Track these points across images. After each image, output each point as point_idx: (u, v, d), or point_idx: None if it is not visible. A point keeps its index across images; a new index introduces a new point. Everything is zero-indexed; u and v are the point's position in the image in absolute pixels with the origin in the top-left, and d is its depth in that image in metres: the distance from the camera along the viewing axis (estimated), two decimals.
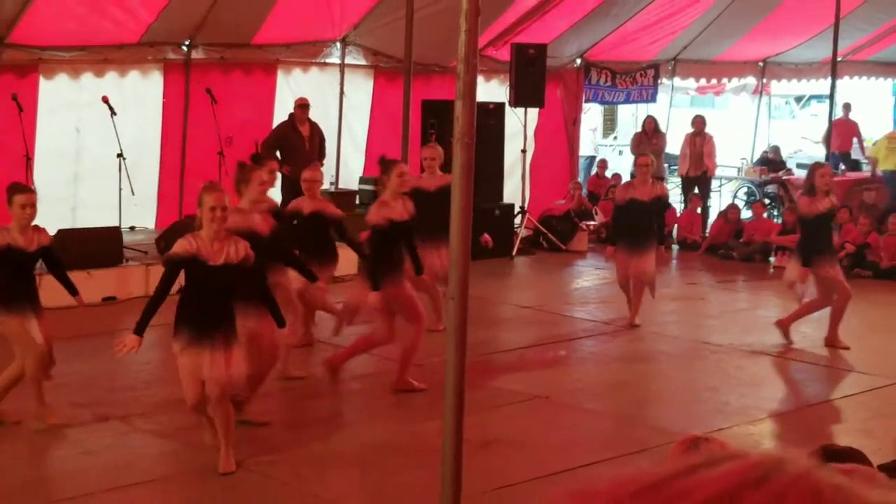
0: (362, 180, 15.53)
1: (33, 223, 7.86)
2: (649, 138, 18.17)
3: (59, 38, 12.84)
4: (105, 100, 12.48)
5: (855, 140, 20.25)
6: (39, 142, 12.68)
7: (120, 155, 12.31)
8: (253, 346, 7.78)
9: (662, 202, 11.78)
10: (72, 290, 8.19)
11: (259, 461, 7.52)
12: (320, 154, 14.29)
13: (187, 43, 13.96)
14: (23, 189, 7.99)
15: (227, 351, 6.96)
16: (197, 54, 14.10)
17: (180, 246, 7.03)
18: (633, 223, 11.34)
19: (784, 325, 10.88)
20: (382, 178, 9.18)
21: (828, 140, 17.68)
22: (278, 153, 13.74)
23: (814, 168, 11.32)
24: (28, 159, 12.16)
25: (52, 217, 12.52)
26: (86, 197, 13.24)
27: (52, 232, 12.09)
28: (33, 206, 7.80)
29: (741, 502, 0.48)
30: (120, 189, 12.53)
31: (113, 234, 12.08)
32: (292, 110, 14.09)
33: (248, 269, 7.22)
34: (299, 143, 13.85)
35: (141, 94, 13.74)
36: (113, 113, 12.30)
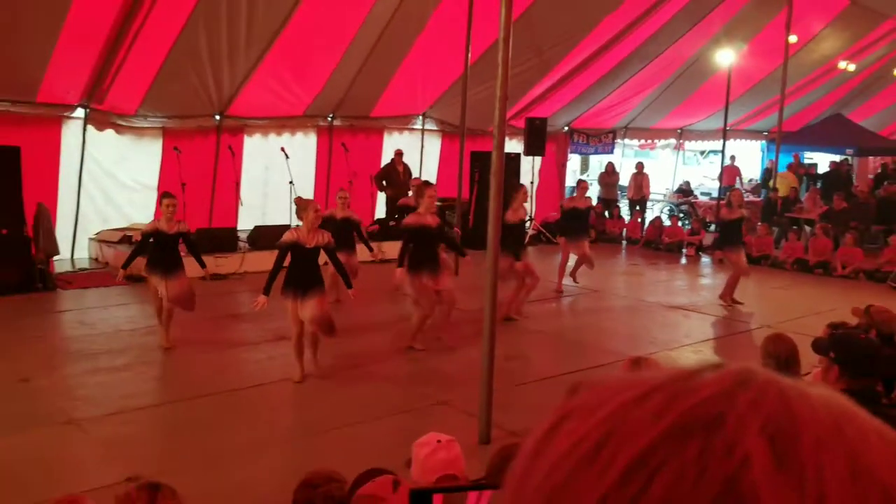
0: None
1: (176, 217, 7.80)
2: (609, 175, 18.16)
3: (256, 112, 13.02)
4: (282, 149, 12.63)
5: (737, 178, 20.10)
6: (244, 174, 12.86)
7: (291, 182, 12.49)
8: (438, 297, 8.01)
9: (591, 209, 11.84)
10: (202, 264, 8.00)
11: (378, 373, 7.64)
12: (409, 184, 14.39)
13: (331, 116, 14.10)
14: (169, 195, 7.89)
15: (315, 299, 6.94)
16: (337, 122, 14.21)
17: (287, 236, 7.08)
18: (575, 223, 11.35)
19: (724, 297, 10.82)
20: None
21: (720, 178, 17.54)
22: (384, 182, 13.93)
23: (732, 191, 11.41)
24: (237, 185, 12.36)
25: (250, 218, 12.77)
26: (271, 207, 13.40)
27: (249, 228, 12.34)
28: (175, 206, 7.75)
29: (736, 400, 0.42)
30: (290, 202, 12.67)
31: (286, 229, 12.17)
32: (393, 156, 14.21)
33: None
34: (397, 176, 13.99)
35: (304, 146, 13.82)
36: (287, 157, 12.46)
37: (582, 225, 11.45)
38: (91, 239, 11.93)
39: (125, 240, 11.53)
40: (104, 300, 9.78)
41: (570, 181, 19.66)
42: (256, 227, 12.23)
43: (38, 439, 5.71)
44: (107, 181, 12.10)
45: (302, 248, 6.97)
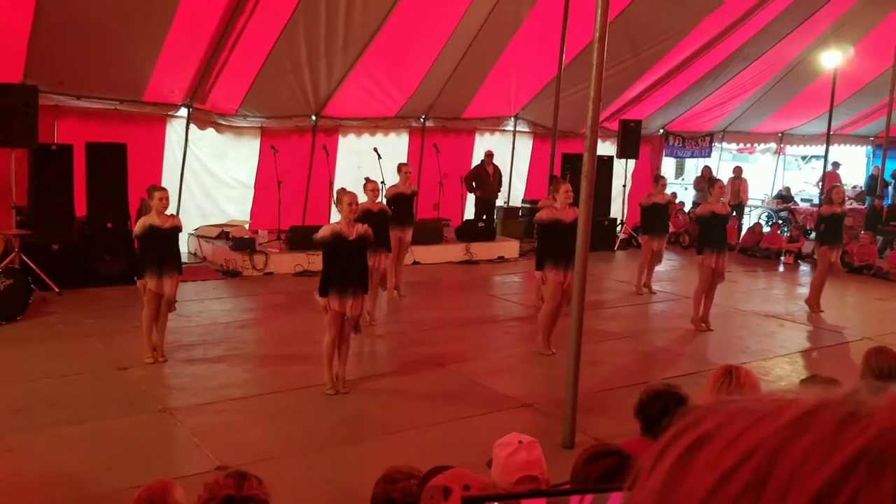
0: (523, 200, 15.57)
1: (169, 212, 7.25)
2: (705, 180, 17.66)
3: (350, 113, 13.23)
4: (375, 150, 12.67)
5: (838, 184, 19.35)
6: (337, 174, 12.98)
7: (382, 182, 12.51)
8: (565, 294, 7.57)
9: (670, 204, 11.67)
10: (179, 269, 7.34)
11: (463, 373, 7.62)
12: (499, 185, 14.36)
13: (423, 117, 14.17)
14: (159, 188, 7.29)
15: (361, 297, 6.61)
16: (429, 123, 14.29)
17: (325, 231, 6.54)
18: (658, 218, 11.33)
19: (810, 302, 10.50)
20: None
21: (822, 183, 16.86)
22: (474, 183, 13.94)
23: (830, 188, 10.97)
24: (331, 183, 12.54)
25: None
26: None
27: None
28: (167, 199, 7.18)
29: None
30: (382, 200, 12.75)
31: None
32: (483, 157, 14.19)
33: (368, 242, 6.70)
34: (486, 178, 13.99)
35: (396, 146, 13.90)
36: (379, 157, 12.50)
37: (664, 221, 11.30)
38: (190, 234, 12.31)
39: (222, 235, 11.88)
40: (201, 293, 10.08)
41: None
42: None
43: (133, 426, 5.92)
44: (207, 178, 12.49)
45: (345, 240, 6.49)
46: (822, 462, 0.38)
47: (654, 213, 11.30)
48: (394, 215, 9.70)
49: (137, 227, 7.14)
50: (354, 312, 6.57)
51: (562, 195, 7.85)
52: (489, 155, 14.15)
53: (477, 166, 14.25)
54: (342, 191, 6.89)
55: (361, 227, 6.63)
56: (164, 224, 7.08)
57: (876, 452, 0.38)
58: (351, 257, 6.56)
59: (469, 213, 14.48)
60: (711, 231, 9.23)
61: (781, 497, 0.38)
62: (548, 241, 7.83)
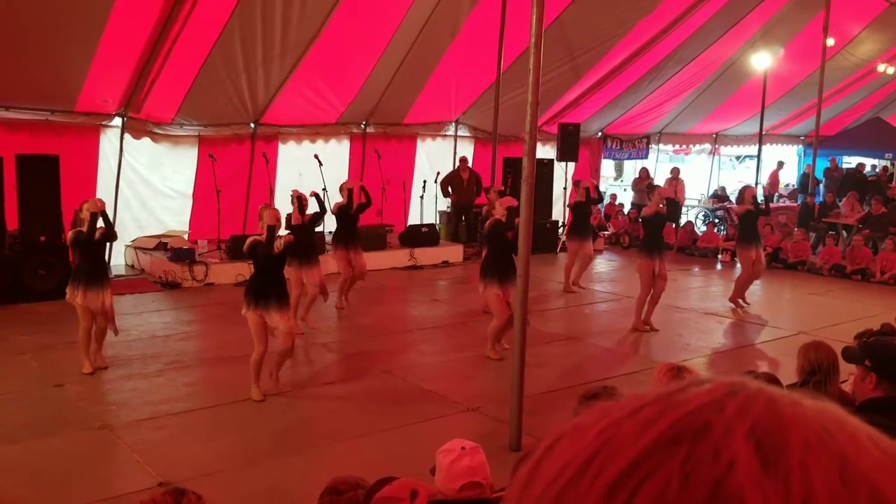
0: None
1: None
2: (643, 181, 17.97)
3: (290, 120, 13.09)
4: (316, 156, 12.56)
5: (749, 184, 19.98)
6: (278, 181, 12.82)
7: (324, 189, 12.43)
8: (510, 307, 7.29)
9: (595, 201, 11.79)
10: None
11: (409, 379, 7.59)
12: (477, 190, 14.40)
13: (364, 123, 14.11)
14: (88, 200, 7.12)
15: (286, 310, 6.69)
16: (370, 129, 14.23)
17: (254, 243, 6.59)
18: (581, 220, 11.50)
19: (733, 299, 10.68)
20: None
21: (756, 183, 17.30)
22: (450, 188, 14.07)
23: (743, 188, 11.11)
24: (271, 191, 12.39)
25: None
26: None
27: (283, 234, 12.34)
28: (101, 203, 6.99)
29: (725, 408, 0.43)
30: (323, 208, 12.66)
31: (321, 234, 12.23)
32: (458, 163, 14.54)
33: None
34: (461, 182, 14.18)
35: (337, 153, 13.82)
36: (320, 164, 12.38)
37: (586, 222, 11.50)
38: (127, 246, 12.04)
39: (160, 246, 11.65)
40: (139, 306, 9.87)
41: (603, 187, 19.60)
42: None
43: (71, 444, 5.76)
44: (143, 189, 12.23)
45: (269, 254, 6.55)
46: (630, 445, 0.43)
47: (578, 215, 11.56)
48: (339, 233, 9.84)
49: (71, 237, 6.95)
50: (288, 325, 6.59)
51: (499, 209, 7.86)
52: (463, 160, 14.34)
53: (452, 172, 14.44)
54: (265, 207, 6.98)
55: (281, 241, 6.64)
56: (92, 235, 6.86)
57: (674, 430, 0.43)
58: (275, 271, 6.63)
59: (414, 218, 14.47)
60: (647, 234, 9.44)
61: (595, 478, 0.42)
62: (490, 251, 7.78)
